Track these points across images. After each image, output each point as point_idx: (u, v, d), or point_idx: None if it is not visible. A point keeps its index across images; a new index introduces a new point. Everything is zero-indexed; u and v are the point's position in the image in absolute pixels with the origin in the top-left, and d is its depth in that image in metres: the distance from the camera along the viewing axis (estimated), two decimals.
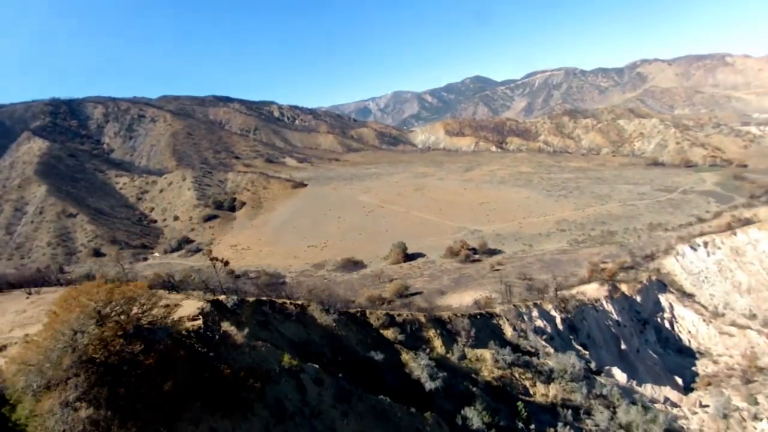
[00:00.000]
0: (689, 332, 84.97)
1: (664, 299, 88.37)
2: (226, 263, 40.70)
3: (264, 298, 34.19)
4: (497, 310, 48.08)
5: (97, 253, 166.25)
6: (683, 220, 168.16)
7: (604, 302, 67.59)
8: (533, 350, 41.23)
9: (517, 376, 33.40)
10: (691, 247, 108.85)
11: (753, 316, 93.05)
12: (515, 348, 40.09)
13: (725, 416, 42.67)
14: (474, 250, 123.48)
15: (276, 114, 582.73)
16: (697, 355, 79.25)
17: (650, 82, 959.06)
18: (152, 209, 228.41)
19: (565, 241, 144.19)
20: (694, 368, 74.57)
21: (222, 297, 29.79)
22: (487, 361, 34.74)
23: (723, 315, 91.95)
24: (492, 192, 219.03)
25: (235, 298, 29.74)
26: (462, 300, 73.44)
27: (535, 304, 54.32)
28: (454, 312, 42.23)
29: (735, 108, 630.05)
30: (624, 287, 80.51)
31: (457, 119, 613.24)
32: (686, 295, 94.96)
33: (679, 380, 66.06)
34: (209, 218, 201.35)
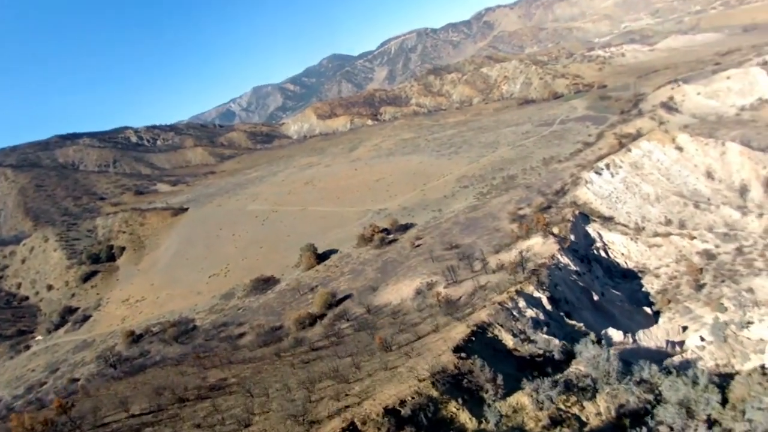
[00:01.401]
0: (623, 254, 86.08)
1: (591, 230, 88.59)
2: None
3: None
4: (484, 318, 40.24)
5: None
6: (571, 148, 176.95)
7: (559, 256, 63.91)
8: (548, 352, 34.40)
9: (562, 407, 25.98)
10: (596, 173, 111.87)
11: (669, 222, 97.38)
12: (530, 363, 32.89)
13: (725, 340, 39.97)
14: (386, 231, 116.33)
15: (134, 139, 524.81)
16: (639, 275, 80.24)
17: (497, 28, 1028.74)
18: (19, 285, 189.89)
19: (471, 197, 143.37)
20: (644, 289, 75.05)
21: None
22: (527, 408, 26.75)
23: (644, 228, 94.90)
24: (384, 166, 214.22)
25: None
26: (400, 293, 65.77)
27: (517, 292, 47.83)
28: (458, 356, 33.09)
29: (577, 37, 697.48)
30: (556, 230, 78.52)
31: (325, 101, 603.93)
32: (607, 220, 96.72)
33: (648, 309, 65.29)
34: (88, 277, 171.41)
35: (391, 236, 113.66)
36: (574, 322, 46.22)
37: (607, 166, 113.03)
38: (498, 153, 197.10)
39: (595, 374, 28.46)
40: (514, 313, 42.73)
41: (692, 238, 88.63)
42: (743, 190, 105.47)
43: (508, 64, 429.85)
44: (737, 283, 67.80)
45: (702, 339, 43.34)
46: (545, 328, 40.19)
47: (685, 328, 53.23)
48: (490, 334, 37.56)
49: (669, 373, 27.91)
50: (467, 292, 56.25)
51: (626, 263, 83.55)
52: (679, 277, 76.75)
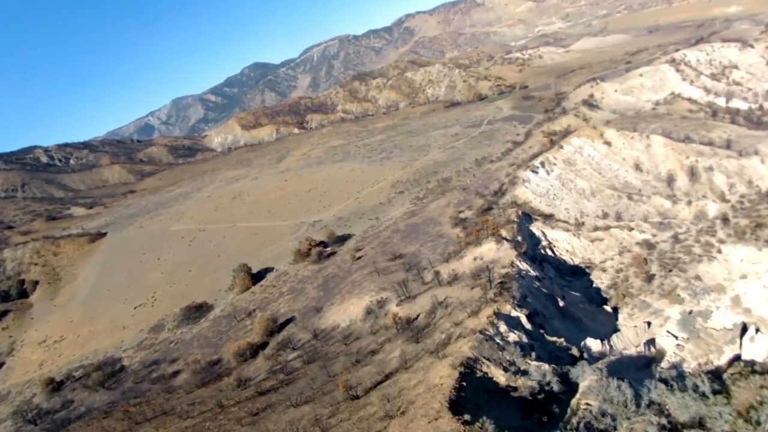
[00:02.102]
0: (567, 251, 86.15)
1: (535, 229, 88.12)
2: None
3: None
4: (467, 352, 35.54)
5: None
6: (502, 148, 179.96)
7: (518, 263, 61.31)
8: (545, 385, 30.59)
9: None
10: (532, 171, 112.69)
11: (606, 215, 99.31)
12: (532, 404, 28.82)
13: (698, 336, 38.69)
14: (324, 244, 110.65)
15: (44, 159, 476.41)
16: (587, 270, 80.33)
17: (418, 34, 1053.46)
18: None
19: (408, 203, 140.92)
20: (595, 285, 74.81)
21: None
22: None
23: (584, 223, 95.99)
24: (315, 175, 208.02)
25: None
26: (348, 313, 60.46)
27: (496, 314, 43.83)
28: (460, 420, 27.40)
29: (495, 41, 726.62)
30: (504, 232, 76.64)
31: (249, 111, 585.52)
32: (548, 217, 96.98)
33: (608, 308, 64.48)
34: None
35: (329, 249, 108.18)
36: (554, 339, 43.47)
37: (542, 164, 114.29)
38: (430, 156, 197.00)
39: (612, 409, 25.19)
40: (498, 340, 38.95)
41: (630, 229, 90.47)
42: (670, 180, 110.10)
43: (432, 68, 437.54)
44: (684, 271, 68.97)
45: (671, 334, 42.02)
46: (533, 354, 36.73)
47: (649, 324, 52.51)
48: (479, 372, 33.39)
49: (669, 385, 25.15)
50: (425, 309, 51.98)
51: (572, 260, 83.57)
52: (625, 269, 77.42)
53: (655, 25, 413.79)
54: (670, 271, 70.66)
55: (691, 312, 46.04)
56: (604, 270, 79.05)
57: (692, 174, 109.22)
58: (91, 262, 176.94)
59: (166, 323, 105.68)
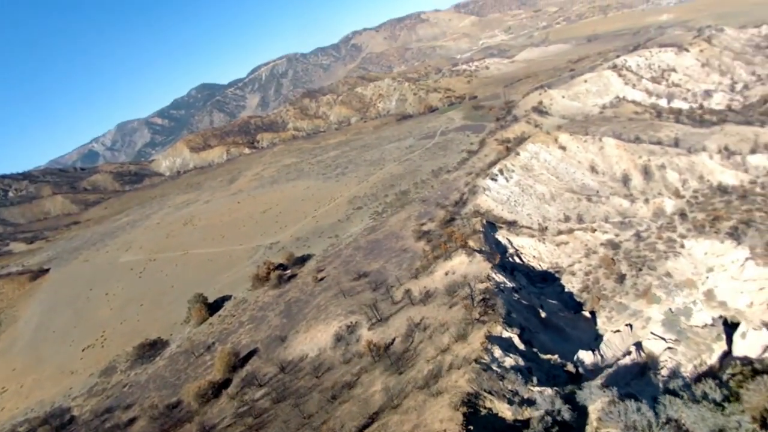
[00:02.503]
0: (534, 257, 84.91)
1: (501, 237, 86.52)
2: None
3: None
4: (465, 386, 31.88)
5: None
6: (458, 157, 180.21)
7: (494, 275, 58.56)
8: (555, 414, 27.45)
9: None
10: (492, 179, 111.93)
11: (568, 218, 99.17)
12: None
13: (686, 336, 37.07)
14: (283, 267, 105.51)
15: None
16: (556, 275, 79.12)
17: (365, 50, 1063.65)
18: None
19: (367, 218, 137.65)
20: (566, 290, 73.43)
21: None
22: None
23: (547, 228, 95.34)
24: (269, 195, 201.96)
25: None
26: (316, 341, 55.91)
27: (488, 338, 40.31)
28: None
29: (441, 55, 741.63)
30: (472, 243, 74.30)
31: (197, 133, 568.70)
32: (511, 224, 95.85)
33: (586, 313, 62.82)
34: None
35: (289, 272, 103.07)
36: (548, 356, 40.63)
37: (501, 171, 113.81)
38: (386, 169, 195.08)
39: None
40: (495, 368, 35.61)
41: (593, 231, 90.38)
42: (625, 180, 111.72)
43: (382, 82, 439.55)
44: (653, 269, 68.61)
45: (658, 336, 40.32)
46: (534, 378, 33.73)
47: (631, 327, 50.98)
48: (482, 410, 29.94)
49: (679, 396, 22.78)
50: (400, 332, 48.18)
51: (540, 265, 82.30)
52: (594, 271, 76.65)
53: (594, 34, 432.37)
54: (640, 269, 70.31)
55: (671, 311, 44.88)
56: (573, 273, 78.11)
57: (646, 173, 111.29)
58: (33, 302, 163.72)
59: (118, 365, 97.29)
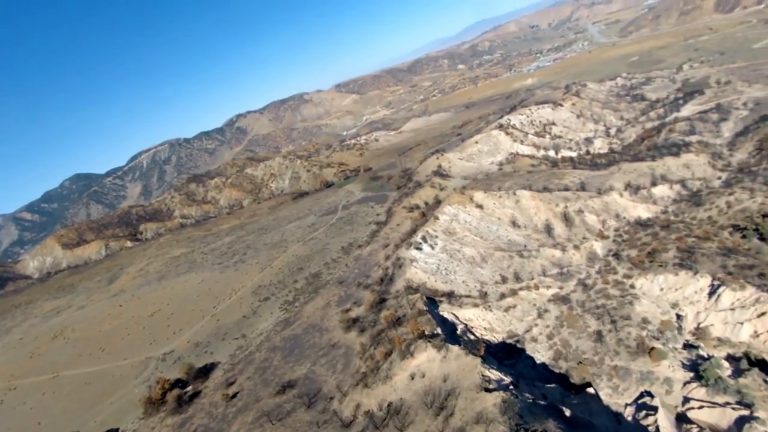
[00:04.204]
0: (486, 329, 74.73)
1: (445, 313, 75.62)
2: None
3: None
4: None
5: None
6: (366, 230, 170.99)
7: (487, 373, 45.46)
8: None
9: None
10: (416, 248, 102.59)
11: (504, 279, 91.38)
12: None
13: (738, 392, 27.93)
14: (181, 383, 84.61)
15: None
16: (518, 345, 69.02)
17: (251, 132, 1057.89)
18: None
19: (277, 309, 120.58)
20: (532, 357, 63.42)
21: None
22: None
23: (486, 293, 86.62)
24: (157, 294, 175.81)
25: None
26: None
27: None
28: None
29: (327, 132, 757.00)
30: (427, 329, 62.02)
31: (71, 227, 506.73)
32: (450, 296, 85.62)
33: (591, 390, 51.98)
34: None
35: (190, 389, 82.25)
36: None
37: (424, 238, 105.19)
38: (290, 251, 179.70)
39: None
40: None
41: (537, 287, 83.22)
42: (548, 229, 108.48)
43: (273, 161, 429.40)
44: (627, 318, 61.35)
45: (715, 404, 30.76)
46: None
47: (650, 395, 41.18)
48: None
49: None
50: None
51: (495, 337, 72.13)
52: (556, 332, 67.93)
53: (470, 101, 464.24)
54: (614, 321, 62.82)
55: (702, 365, 36.54)
56: (535, 340, 68.79)
57: (566, 219, 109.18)
58: None
59: None
